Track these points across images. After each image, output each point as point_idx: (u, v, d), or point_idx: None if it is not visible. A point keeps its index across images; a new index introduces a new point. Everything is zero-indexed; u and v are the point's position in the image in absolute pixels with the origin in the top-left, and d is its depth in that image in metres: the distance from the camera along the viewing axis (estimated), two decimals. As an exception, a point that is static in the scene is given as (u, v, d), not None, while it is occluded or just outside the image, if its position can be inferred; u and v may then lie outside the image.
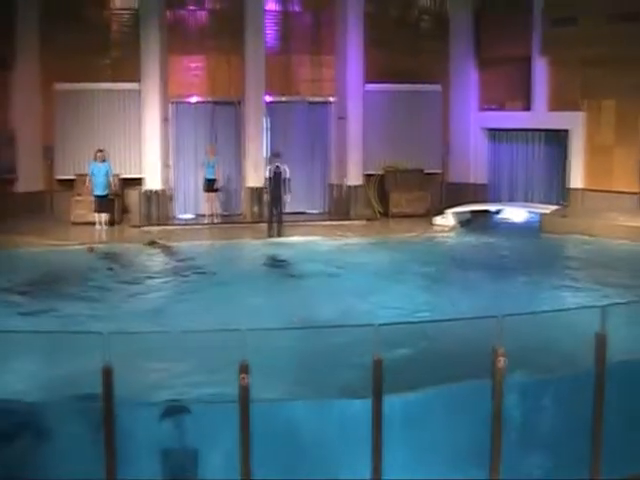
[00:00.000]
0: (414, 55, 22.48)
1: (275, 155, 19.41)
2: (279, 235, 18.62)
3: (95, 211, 19.64)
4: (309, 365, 9.16)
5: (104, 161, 19.82)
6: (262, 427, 6.85)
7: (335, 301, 12.37)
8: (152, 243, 17.83)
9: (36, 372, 9.23)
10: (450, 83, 23.07)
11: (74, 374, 8.68)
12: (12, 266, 15.81)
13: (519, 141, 22.56)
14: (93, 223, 19.53)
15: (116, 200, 20.50)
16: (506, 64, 22.20)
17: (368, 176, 22.22)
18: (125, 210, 21.31)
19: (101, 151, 19.91)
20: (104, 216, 19.67)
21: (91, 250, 16.99)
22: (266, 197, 19.36)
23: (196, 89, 22.15)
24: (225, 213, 21.68)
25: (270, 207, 19.02)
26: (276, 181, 18.78)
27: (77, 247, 17.43)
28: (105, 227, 19.54)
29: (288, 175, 18.79)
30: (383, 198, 22.07)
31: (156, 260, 16.87)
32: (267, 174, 19.13)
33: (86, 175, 19.83)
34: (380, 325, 6.65)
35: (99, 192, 19.58)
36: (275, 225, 18.83)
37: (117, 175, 20.56)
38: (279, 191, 18.78)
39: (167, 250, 17.45)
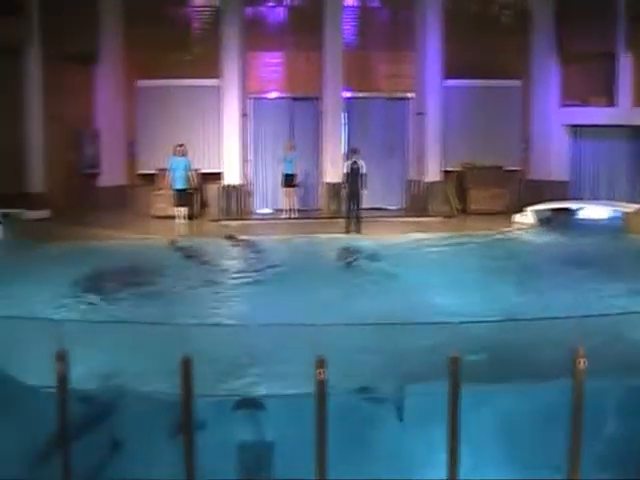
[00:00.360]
0: (494, 50, 22.19)
1: (353, 151, 19.37)
2: (357, 231, 18.60)
3: (175, 205, 19.95)
4: (383, 361, 9.11)
5: (183, 155, 20.11)
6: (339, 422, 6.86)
7: (411, 298, 12.28)
8: (230, 237, 18.00)
9: (111, 363, 9.40)
10: (531, 79, 22.70)
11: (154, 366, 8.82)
12: (94, 258, 16.17)
13: (602, 137, 22.06)
14: (173, 217, 19.84)
15: (195, 194, 20.78)
16: (589, 59, 21.77)
17: (446, 172, 22.05)
18: (204, 204, 21.61)
19: (181, 146, 20.20)
20: (183, 210, 19.95)
21: (173, 244, 17.25)
22: (344, 193, 19.33)
23: (275, 85, 22.31)
24: (303, 208, 21.79)
25: (348, 203, 18.99)
26: (354, 177, 18.75)
27: (158, 240, 17.73)
28: (184, 221, 19.82)
29: (364, 170, 18.75)
30: (461, 195, 21.86)
31: (233, 254, 17.02)
32: (345, 170, 19.12)
33: (167, 170, 20.15)
34: (460, 323, 6.60)
35: (178, 186, 19.88)
36: (353, 221, 18.80)
37: (196, 170, 20.85)
38: (357, 187, 18.74)
39: (244, 244, 17.59)
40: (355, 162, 18.81)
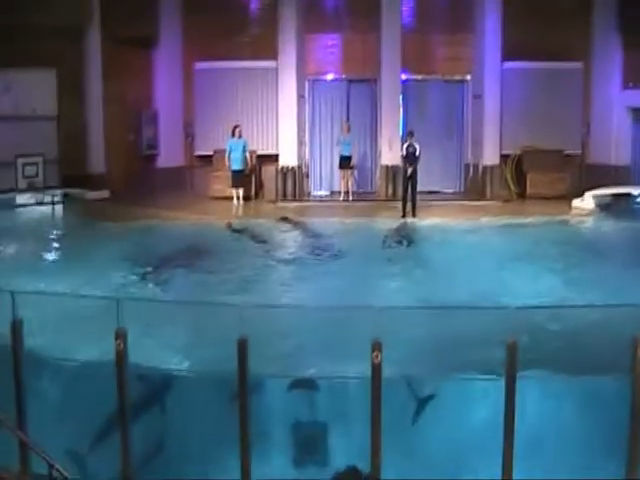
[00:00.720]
0: (555, 32, 21.71)
1: (410, 134, 19.27)
2: (413, 215, 18.50)
3: (232, 186, 20.07)
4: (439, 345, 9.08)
5: (240, 137, 20.21)
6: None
7: (468, 282, 12.20)
8: (285, 219, 18.06)
9: (172, 342, 9.54)
10: (592, 61, 22.24)
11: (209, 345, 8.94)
12: (152, 238, 16.42)
13: (665, 121, 21.59)
14: (230, 198, 19.97)
15: (252, 176, 20.89)
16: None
17: (505, 156, 21.78)
18: (261, 186, 21.70)
19: (238, 127, 20.29)
20: (240, 191, 20.06)
21: (229, 225, 17.38)
22: (405, 173, 19.03)
23: (332, 67, 22.27)
24: (360, 191, 21.76)
25: (405, 186, 18.89)
26: (411, 160, 18.66)
27: (215, 221, 17.89)
28: (241, 202, 19.94)
29: (418, 153, 18.65)
30: (520, 179, 21.56)
31: (287, 236, 17.08)
32: (402, 152, 19.03)
33: (224, 151, 20.27)
34: (517, 308, 6.56)
35: (236, 167, 19.99)
36: (409, 204, 18.67)
37: (254, 151, 20.94)
38: (414, 169, 18.65)
39: (298, 226, 17.65)
40: (411, 145, 18.71)
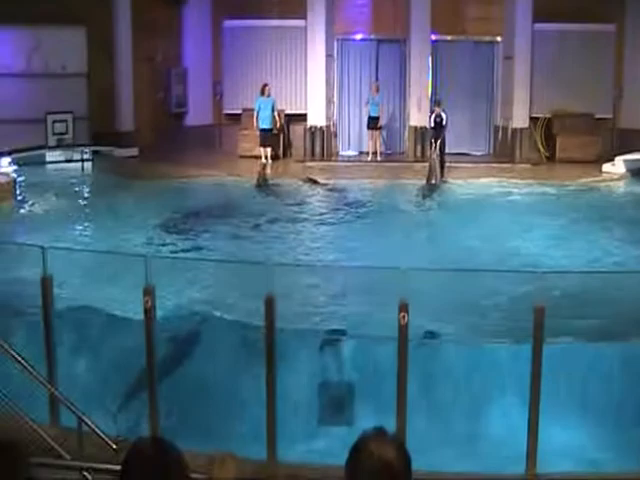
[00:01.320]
0: (587, -7, 21.40)
1: (437, 103, 19.19)
2: (442, 180, 18.30)
3: (260, 145, 20.06)
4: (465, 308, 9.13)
5: (269, 96, 20.17)
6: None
7: (495, 245, 12.23)
8: (310, 180, 18.06)
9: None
10: (625, 23, 21.83)
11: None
12: (181, 196, 16.57)
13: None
14: (259, 157, 19.99)
15: (281, 135, 20.89)
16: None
17: (535, 119, 21.56)
18: (289, 145, 21.70)
19: (267, 85, 20.25)
20: (269, 150, 20.06)
21: (260, 182, 17.43)
22: (432, 143, 18.90)
23: (361, 26, 22.10)
24: (388, 151, 21.70)
25: (431, 155, 18.73)
26: (438, 131, 18.61)
27: (243, 179, 17.96)
28: (270, 161, 19.95)
29: (445, 122, 18.57)
30: (550, 142, 21.36)
31: (311, 196, 17.07)
32: (430, 124, 18.98)
33: (253, 110, 20.26)
34: (544, 273, 6.57)
35: (264, 126, 19.98)
36: (437, 170, 18.45)
37: (282, 110, 20.90)
38: (442, 139, 18.57)
39: (324, 187, 17.67)
40: (439, 115, 18.65)
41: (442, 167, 18.52)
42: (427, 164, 18.74)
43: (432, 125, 18.87)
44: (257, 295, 7.13)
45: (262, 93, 20.16)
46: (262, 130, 20.01)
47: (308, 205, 16.14)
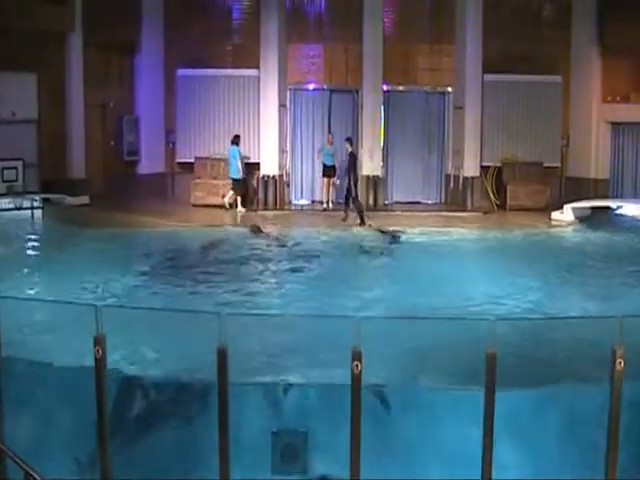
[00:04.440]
0: (534, 44, 21.87)
1: (348, 140, 20.00)
2: (361, 222, 18.69)
3: (236, 194, 20.35)
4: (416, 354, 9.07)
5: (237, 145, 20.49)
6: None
7: (446, 292, 12.23)
8: (254, 229, 18.01)
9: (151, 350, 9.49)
10: (571, 74, 22.39)
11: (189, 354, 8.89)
12: (138, 245, 16.38)
13: (644, 135, 21.73)
14: (211, 205, 19.93)
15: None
16: (633, 54, 21.29)
17: (485, 168, 21.88)
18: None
19: (237, 137, 20.65)
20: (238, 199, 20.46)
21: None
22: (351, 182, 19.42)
23: (314, 76, 22.31)
24: (340, 200, 21.76)
25: (355, 198, 19.26)
26: (351, 168, 19.29)
27: (196, 228, 17.85)
28: (244, 209, 20.33)
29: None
30: (500, 190, 21.66)
31: (254, 245, 16.88)
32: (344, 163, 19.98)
33: (206, 158, 20.36)
34: (496, 320, 6.57)
35: (236, 175, 20.31)
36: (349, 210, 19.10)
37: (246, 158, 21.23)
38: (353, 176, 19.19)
39: (267, 236, 17.58)
40: (352, 154, 19.27)
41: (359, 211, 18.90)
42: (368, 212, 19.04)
43: (346, 165, 19.34)
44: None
45: (234, 143, 20.53)
46: (234, 179, 20.50)
47: (239, 255, 15.81)
